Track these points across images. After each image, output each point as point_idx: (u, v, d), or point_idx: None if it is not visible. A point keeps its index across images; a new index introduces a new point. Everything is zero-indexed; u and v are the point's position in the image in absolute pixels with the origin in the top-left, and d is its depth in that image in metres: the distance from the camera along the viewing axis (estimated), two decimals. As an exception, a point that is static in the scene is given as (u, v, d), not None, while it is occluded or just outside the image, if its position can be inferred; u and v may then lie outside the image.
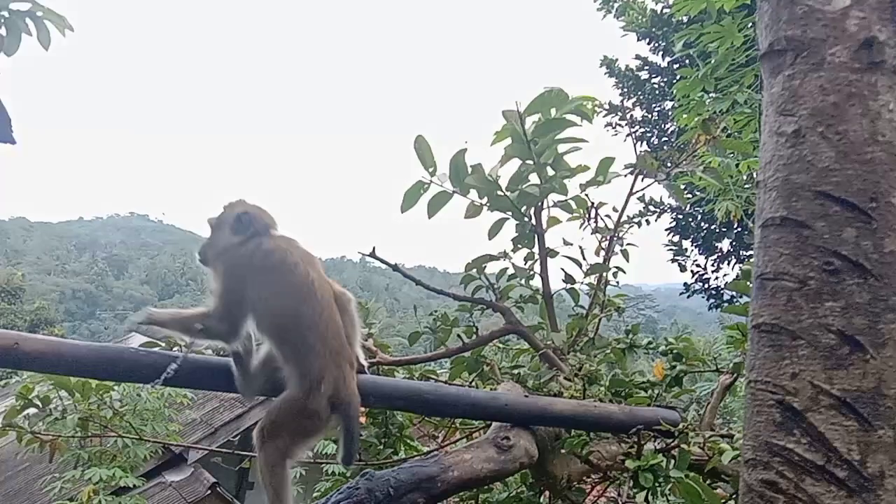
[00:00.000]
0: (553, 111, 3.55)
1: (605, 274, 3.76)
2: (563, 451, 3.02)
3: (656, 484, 2.55)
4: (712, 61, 5.87)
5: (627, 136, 14.86)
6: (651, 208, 11.99)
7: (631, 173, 3.77)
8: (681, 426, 2.70)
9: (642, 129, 14.55)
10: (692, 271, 14.67)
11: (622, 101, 14.40)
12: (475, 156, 3.52)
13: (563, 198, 3.66)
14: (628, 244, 3.95)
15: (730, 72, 5.92)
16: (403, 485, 2.14)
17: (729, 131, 5.56)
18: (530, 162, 3.51)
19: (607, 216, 3.84)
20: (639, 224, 5.18)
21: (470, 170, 3.50)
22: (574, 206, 3.73)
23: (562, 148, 3.59)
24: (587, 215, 3.65)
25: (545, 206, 3.65)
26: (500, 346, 4.19)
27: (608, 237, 3.71)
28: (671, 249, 14.48)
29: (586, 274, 3.61)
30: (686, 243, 14.65)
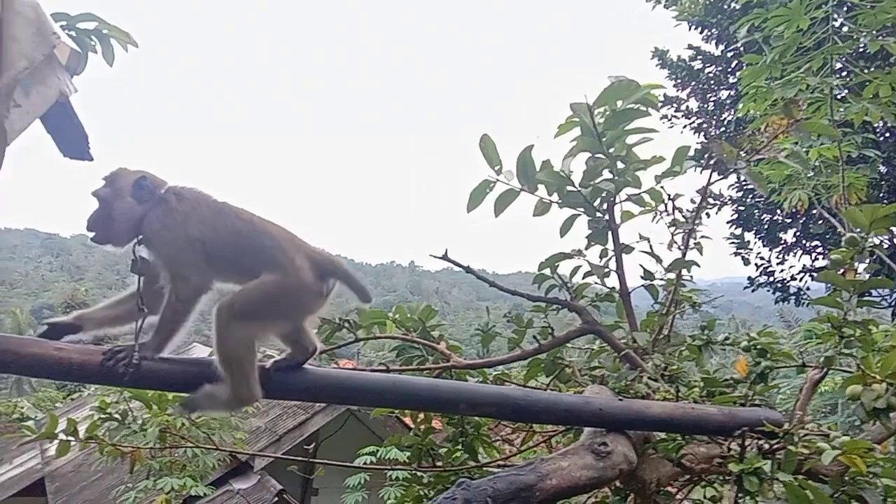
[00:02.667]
0: (619, 103, 3.44)
1: (682, 269, 3.62)
2: (652, 454, 2.91)
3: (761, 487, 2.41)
4: (778, 46, 5.64)
5: (684, 127, 14.50)
6: (710, 200, 11.62)
7: (706, 163, 3.62)
8: (785, 426, 2.55)
9: (698, 120, 14.18)
10: (756, 264, 14.23)
11: (677, 93, 14.08)
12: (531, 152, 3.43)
13: (635, 191, 3.53)
14: (702, 237, 3.81)
15: (797, 56, 5.68)
16: (501, 494, 2.06)
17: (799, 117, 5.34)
18: (601, 155, 3.41)
19: (682, 209, 3.69)
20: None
21: (538, 166, 3.42)
22: (647, 200, 3.60)
23: (631, 140, 3.48)
24: (664, 208, 3.50)
25: (617, 200, 3.53)
26: (573, 347, 4.07)
27: (686, 231, 3.56)
28: (733, 243, 14.07)
29: (667, 269, 3.46)
30: (748, 236, 14.22)
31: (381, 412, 4.20)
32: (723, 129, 13.32)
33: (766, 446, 2.59)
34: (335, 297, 2.40)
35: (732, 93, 13.61)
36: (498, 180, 3.43)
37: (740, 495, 2.42)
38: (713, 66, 14.24)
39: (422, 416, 3.98)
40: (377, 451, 10.17)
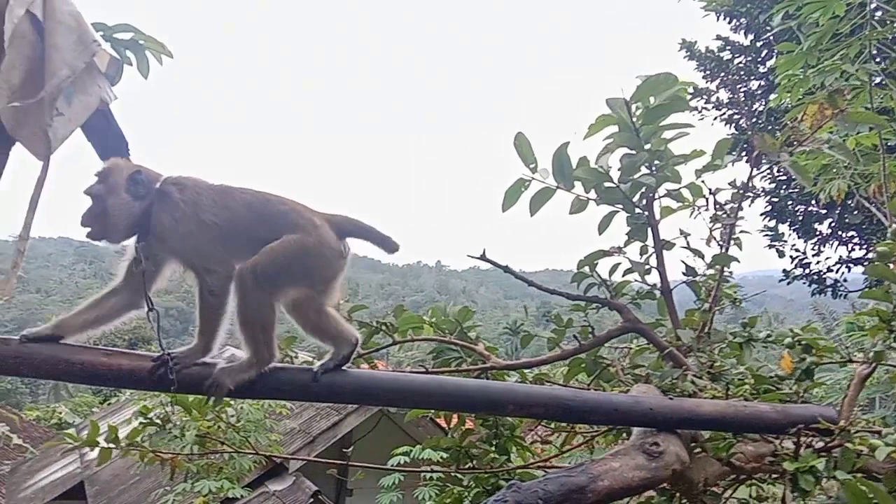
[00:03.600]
0: (652, 99, 3.39)
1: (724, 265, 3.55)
2: (699, 453, 2.85)
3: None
4: (814, 33, 5.51)
5: (715, 119, 14.28)
6: (719, 200, 11.41)
7: (747, 156, 3.55)
8: (841, 423, 2.48)
9: (729, 112, 13.98)
10: (791, 257, 13.97)
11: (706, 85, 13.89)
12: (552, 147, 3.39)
13: (675, 186, 3.47)
14: (741, 231, 3.74)
15: (832, 44, 5.55)
16: (552, 496, 2.03)
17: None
18: (634, 150, 3.36)
19: (722, 203, 3.62)
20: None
21: (575, 163, 3.38)
22: (686, 195, 3.54)
23: (667, 134, 3.42)
24: (705, 202, 3.44)
25: (656, 195, 3.47)
26: (612, 346, 4.02)
27: (727, 225, 3.49)
28: (767, 235, 13.83)
29: (710, 265, 3.40)
30: (782, 227, 13.97)
31: (417, 413, 4.19)
32: (754, 119, 13.09)
33: (821, 444, 2.52)
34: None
35: (763, 83, 13.39)
36: (533, 178, 3.40)
37: (795, 494, 2.36)
38: (742, 57, 14.02)
39: (456, 417, 3.96)
40: (411, 451, 10.17)
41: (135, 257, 2.27)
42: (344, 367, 2.26)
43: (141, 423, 3.89)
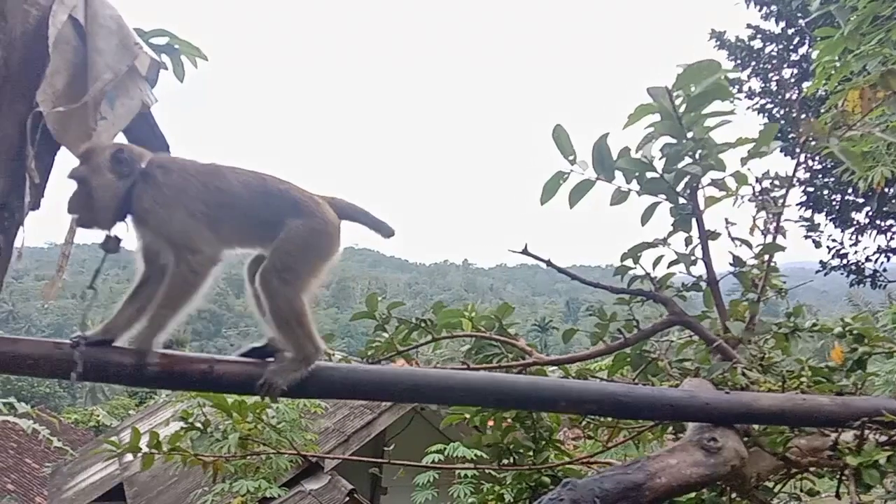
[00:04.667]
0: (692, 87, 3.32)
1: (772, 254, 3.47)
2: (752, 448, 2.78)
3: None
4: (854, 17, 5.36)
5: (748, 109, 14.06)
6: (777, 183, 11.23)
7: (797, 142, 3.47)
8: (909, 416, 2.40)
9: (762, 101, 13.74)
10: (828, 247, 13.71)
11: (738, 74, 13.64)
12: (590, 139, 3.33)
13: (720, 175, 3.39)
14: (786, 220, 3.65)
15: (872, 28, 5.40)
16: (609, 494, 1.98)
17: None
18: (676, 139, 3.29)
19: (769, 190, 3.54)
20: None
21: (615, 154, 3.32)
22: (730, 183, 3.46)
23: (710, 122, 3.35)
24: (751, 191, 3.36)
25: (700, 185, 3.40)
26: (656, 340, 3.95)
27: (774, 213, 3.40)
28: (803, 225, 13.58)
29: (758, 255, 3.32)
30: (818, 217, 13.71)
31: (455, 419, 4.15)
32: (788, 108, 12.87)
33: (884, 438, 2.44)
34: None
35: (796, 71, 13.15)
36: (572, 171, 3.34)
37: (859, 490, 2.28)
38: (774, 45, 13.79)
39: (494, 416, 3.91)
40: (444, 449, 10.17)
41: (106, 235, 2.22)
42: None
43: (182, 427, 3.91)
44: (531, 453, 3.71)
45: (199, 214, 2.17)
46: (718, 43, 14.16)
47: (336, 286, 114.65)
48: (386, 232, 2.43)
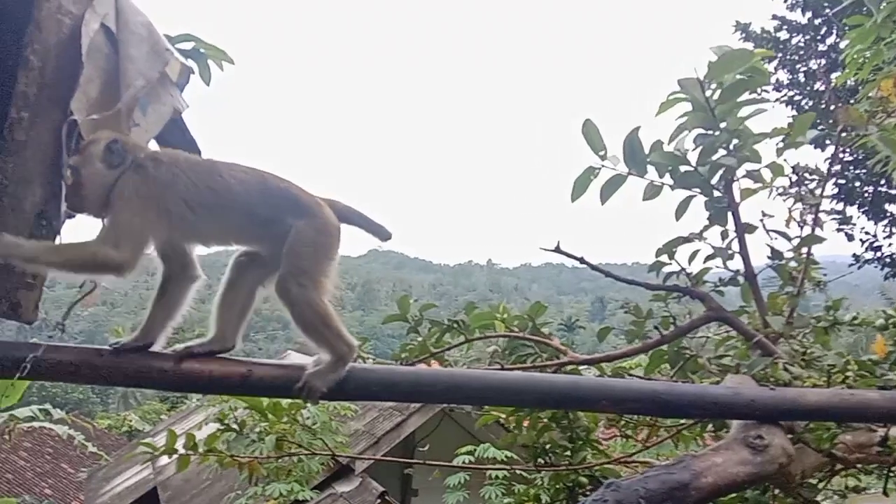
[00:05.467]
0: (725, 77, 3.26)
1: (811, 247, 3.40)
2: (796, 444, 2.72)
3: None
4: (888, 4, 5.23)
5: (775, 101, 13.85)
6: (808, 175, 11.05)
7: (835, 132, 3.40)
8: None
9: (790, 92, 13.54)
10: (861, 240, 13.45)
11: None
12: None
13: (755, 166, 3.33)
14: (821, 211, 3.58)
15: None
16: (654, 494, 1.94)
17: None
18: (709, 130, 3.24)
19: (806, 181, 3.48)
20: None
21: (647, 148, 3.28)
22: (765, 175, 3.39)
23: (743, 112, 3.29)
24: (788, 182, 3.29)
25: (735, 177, 3.34)
26: (692, 336, 3.89)
27: (813, 205, 3.33)
28: (835, 218, 13.33)
29: (796, 247, 3.25)
30: (850, 210, 13.47)
31: (489, 419, 4.12)
32: (816, 99, 12.66)
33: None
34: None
35: (824, 61, 12.94)
36: (603, 166, 3.30)
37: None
38: (800, 35, 13.57)
39: (530, 416, 3.88)
40: (475, 450, 10.13)
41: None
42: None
43: (219, 428, 3.93)
44: (568, 453, 3.67)
45: (175, 213, 2.18)
46: (743, 35, 13.97)
47: (361, 289, 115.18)
48: (383, 235, 2.43)
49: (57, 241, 2.35)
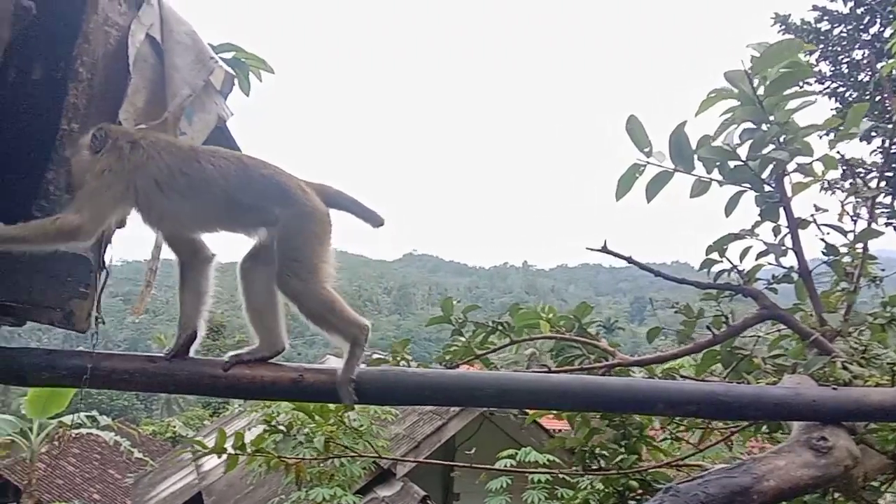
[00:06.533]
0: (770, 69, 3.17)
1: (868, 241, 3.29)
2: (858, 446, 2.62)
3: None
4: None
5: (818, 93, 13.52)
6: (860, 168, 10.73)
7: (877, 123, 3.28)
8: None
9: (833, 84, 13.21)
10: (910, 234, 13.02)
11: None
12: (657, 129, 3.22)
13: (806, 160, 3.23)
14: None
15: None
16: (715, 499, 1.89)
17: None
18: (758, 124, 3.16)
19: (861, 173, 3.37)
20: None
21: (695, 144, 3.21)
22: (817, 168, 3.29)
23: (792, 105, 3.20)
24: (841, 175, 3.19)
25: (786, 171, 3.25)
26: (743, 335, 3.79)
27: (869, 198, 3.22)
28: (884, 212, 12.92)
29: (853, 241, 3.15)
30: (900, 202, 13.03)
31: (536, 416, 4.08)
32: (860, 91, 12.33)
33: None
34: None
35: (868, 52, 12.60)
36: (648, 163, 3.24)
37: None
38: (842, 26, 13.24)
39: (579, 417, 3.82)
40: (516, 454, 10.07)
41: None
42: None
43: (266, 429, 3.96)
44: (621, 454, 3.61)
45: (142, 192, 2.21)
46: (783, 27, 13.68)
47: (397, 293, 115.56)
48: (375, 221, 2.41)
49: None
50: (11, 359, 1.99)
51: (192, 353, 2.33)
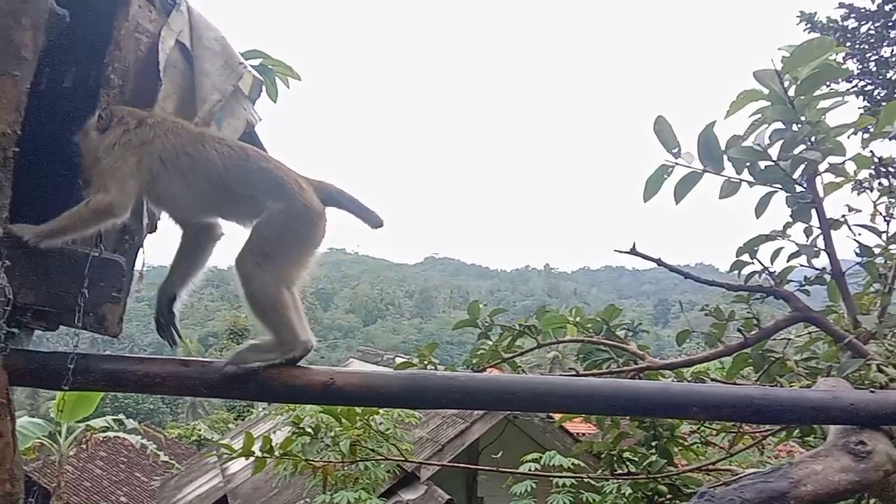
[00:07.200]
0: (800, 69, 3.13)
1: None
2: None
3: None
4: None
5: (846, 91, 13.32)
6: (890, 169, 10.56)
7: None
8: None
9: (861, 82, 13.01)
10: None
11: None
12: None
13: (839, 159, 3.18)
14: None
15: None
16: (751, 504, 1.84)
17: None
18: (788, 124, 3.11)
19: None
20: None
21: (724, 144, 3.17)
22: (849, 168, 3.24)
23: (823, 104, 3.15)
24: (874, 174, 3.14)
25: (818, 171, 3.20)
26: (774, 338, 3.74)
27: (904, 198, 3.16)
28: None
29: (887, 243, 3.09)
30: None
31: (566, 418, 4.05)
32: (889, 88, 12.12)
33: None
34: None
35: (896, 49, 12.40)
36: (677, 164, 3.21)
37: None
38: (869, 23, 13.03)
39: (608, 420, 3.79)
40: (541, 457, 10.03)
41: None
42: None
43: (293, 432, 3.98)
44: (652, 457, 3.57)
45: (149, 166, 2.22)
46: (809, 26, 13.49)
47: (419, 297, 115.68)
48: (374, 222, 2.36)
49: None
50: (46, 363, 2.01)
51: (178, 319, 2.44)
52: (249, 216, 2.28)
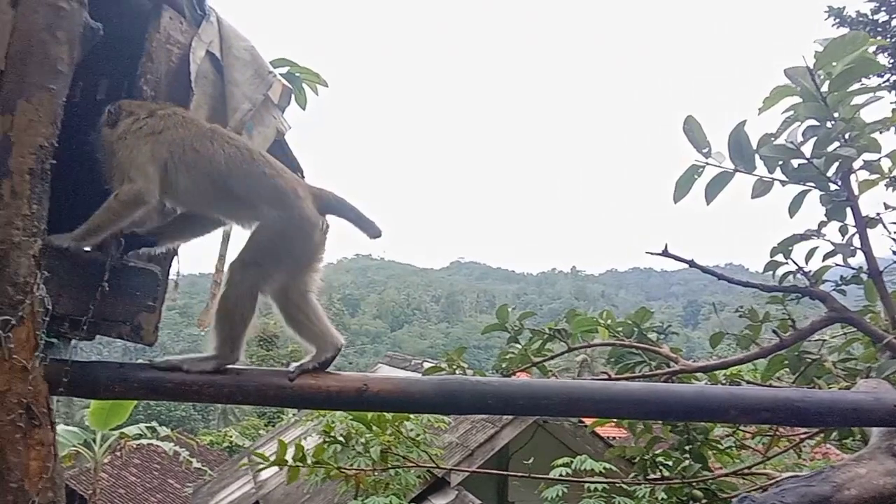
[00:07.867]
0: (834, 65, 3.08)
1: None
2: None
3: None
4: None
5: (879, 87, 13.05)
6: None
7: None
8: None
9: (893, 77, 12.75)
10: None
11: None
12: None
13: (874, 156, 3.12)
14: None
15: None
16: (794, 509, 1.80)
17: None
18: (821, 121, 3.06)
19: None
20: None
21: (755, 143, 3.13)
22: (884, 165, 3.18)
23: (857, 100, 3.09)
24: (912, 171, 3.06)
25: (852, 168, 3.14)
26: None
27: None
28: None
29: (927, 240, 3.02)
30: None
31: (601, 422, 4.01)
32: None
33: None
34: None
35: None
36: (707, 163, 3.17)
37: None
38: (901, 16, 12.77)
39: (641, 425, 3.74)
40: (571, 462, 9.95)
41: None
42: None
43: (325, 440, 3.99)
44: (686, 461, 3.53)
45: (161, 158, 2.23)
46: (837, 21, 13.27)
47: (445, 301, 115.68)
48: (372, 232, 2.35)
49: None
50: (85, 372, 2.04)
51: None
52: (249, 220, 2.29)
